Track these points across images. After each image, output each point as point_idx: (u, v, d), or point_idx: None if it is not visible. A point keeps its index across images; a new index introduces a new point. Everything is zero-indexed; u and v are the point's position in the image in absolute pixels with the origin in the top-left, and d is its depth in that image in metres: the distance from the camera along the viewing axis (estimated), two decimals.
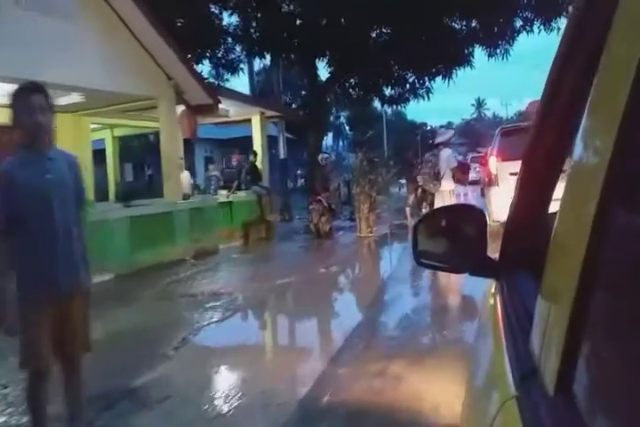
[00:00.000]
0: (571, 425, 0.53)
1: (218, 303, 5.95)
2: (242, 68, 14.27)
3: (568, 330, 0.56)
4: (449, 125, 62.11)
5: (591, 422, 0.51)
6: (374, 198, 10.69)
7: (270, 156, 15.13)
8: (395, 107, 15.91)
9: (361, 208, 10.41)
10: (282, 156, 14.95)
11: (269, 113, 11.55)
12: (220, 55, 14.06)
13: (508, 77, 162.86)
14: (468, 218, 1.25)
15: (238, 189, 11.52)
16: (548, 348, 0.63)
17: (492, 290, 1.27)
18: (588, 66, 0.67)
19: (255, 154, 11.33)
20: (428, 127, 66.67)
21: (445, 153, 9.46)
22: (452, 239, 1.27)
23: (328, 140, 50.41)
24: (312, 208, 10.70)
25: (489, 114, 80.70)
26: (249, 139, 18.35)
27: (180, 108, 9.58)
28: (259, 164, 11.43)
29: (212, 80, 30.10)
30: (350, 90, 14.37)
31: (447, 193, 9.43)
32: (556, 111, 0.97)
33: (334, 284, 6.84)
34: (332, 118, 57.82)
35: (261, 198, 11.09)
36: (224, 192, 11.72)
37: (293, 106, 40.14)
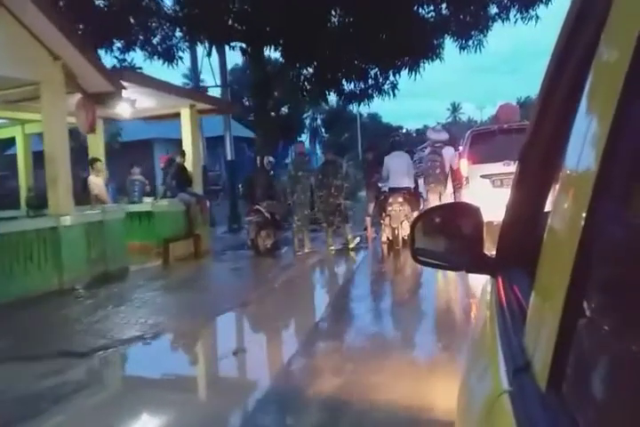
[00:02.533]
0: (561, 421, 0.53)
1: (67, 373, 3.87)
2: (181, 58, 12.15)
3: (560, 327, 0.55)
4: (425, 128, 60.50)
5: (581, 417, 0.50)
6: (343, 207, 8.63)
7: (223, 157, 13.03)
8: (358, 104, 13.83)
9: (300, 218, 8.41)
10: (229, 157, 12.85)
11: (203, 106, 9.41)
12: (155, 42, 11.90)
13: (483, 82, 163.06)
14: (465, 216, 1.23)
15: (165, 195, 9.40)
16: (541, 344, 0.62)
17: (489, 287, 1.25)
18: (583, 67, 0.67)
19: (183, 154, 9.20)
20: (404, 130, 65.15)
21: (450, 152, 8.52)
22: (449, 237, 1.28)
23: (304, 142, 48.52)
24: (249, 220, 8.61)
25: (464, 118, 79.43)
26: (219, 139, 16.12)
27: (77, 97, 7.44)
28: (189, 166, 9.30)
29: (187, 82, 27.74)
30: (305, 83, 12.30)
31: (446, 195, 8.63)
32: (551, 111, 0.96)
33: (238, 338, 4.79)
34: (308, 120, 56.28)
35: (189, 208, 8.96)
36: (149, 200, 9.57)
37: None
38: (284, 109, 38.35)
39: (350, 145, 45.35)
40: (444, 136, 8.94)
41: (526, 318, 0.73)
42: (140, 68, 11.96)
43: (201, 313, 5.34)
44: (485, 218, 1.21)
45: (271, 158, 9.03)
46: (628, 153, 0.49)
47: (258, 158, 9.08)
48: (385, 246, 8.96)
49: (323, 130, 50.95)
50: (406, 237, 8.87)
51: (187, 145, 9.39)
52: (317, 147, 50.06)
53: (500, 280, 1.13)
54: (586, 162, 0.55)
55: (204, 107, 9.48)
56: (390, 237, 8.58)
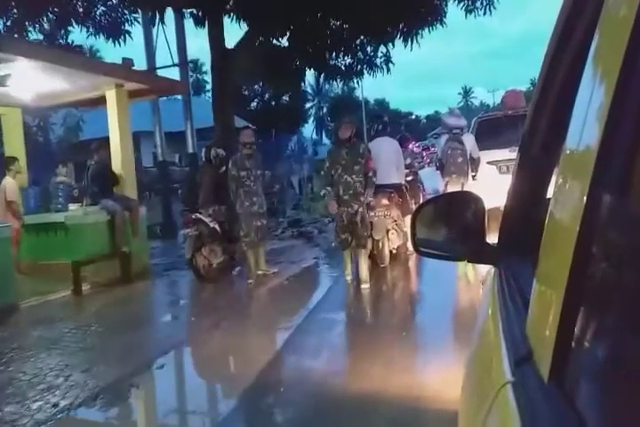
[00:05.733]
0: (563, 412, 0.51)
1: None
2: (129, 32, 9.94)
3: (562, 317, 0.54)
4: (436, 114, 57.87)
5: (584, 409, 0.49)
6: (360, 220, 5.48)
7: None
8: (344, 82, 11.48)
9: (247, 231, 6.15)
10: (190, 149, 10.71)
11: (136, 86, 7.22)
12: (98, 15, 9.72)
13: (495, 66, 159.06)
14: (466, 205, 1.20)
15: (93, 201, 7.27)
16: (543, 334, 0.60)
17: (492, 276, 1.23)
18: (581, 52, 0.66)
19: (107, 149, 7.05)
20: (413, 116, 62.26)
21: (471, 139, 7.48)
22: (451, 227, 1.26)
23: (309, 132, 46.58)
24: (185, 233, 6.45)
25: (476, 102, 76.43)
26: (204, 131, 13.86)
27: None
28: (118, 162, 7.16)
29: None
30: (278, 59, 9.97)
31: (469, 187, 7.15)
32: (551, 97, 0.95)
33: None
34: (314, 110, 54.05)
35: (115, 218, 6.84)
36: (75, 207, 7.46)
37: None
38: (285, 98, 36.30)
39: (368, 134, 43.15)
40: (463, 122, 7.72)
41: (528, 308, 0.70)
42: (81, 47, 9.82)
43: (51, 399, 3.24)
44: (492, 204, 1.20)
45: (220, 150, 6.84)
46: (628, 139, 0.48)
47: (203, 151, 6.87)
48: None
49: (329, 119, 48.69)
50: (395, 251, 6.64)
51: (114, 137, 7.22)
52: (324, 137, 47.82)
53: (502, 269, 1.10)
54: (585, 148, 0.55)
55: (137, 87, 7.29)
56: (374, 251, 6.35)
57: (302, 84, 32.17)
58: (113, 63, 7.21)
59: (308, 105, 48.98)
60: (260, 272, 6.28)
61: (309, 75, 15.61)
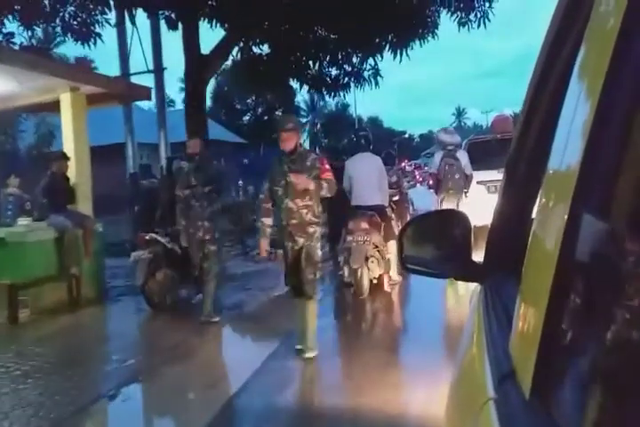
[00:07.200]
0: None
1: None
2: (99, 35, 9.29)
3: (543, 334, 0.54)
4: (430, 134, 57.88)
5: (564, 424, 0.49)
6: (311, 274, 3.96)
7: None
8: (331, 95, 10.83)
9: (195, 263, 5.20)
10: (162, 161, 9.97)
11: (95, 90, 6.51)
12: (67, 16, 9.08)
13: (489, 87, 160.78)
14: (453, 223, 1.22)
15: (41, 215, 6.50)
16: (525, 351, 0.61)
17: (477, 294, 1.22)
18: (565, 75, 0.68)
19: (64, 159, 6.32)
20: (406, 135, 62.12)
21: (465, 156, 7.52)
22: (438, 244, 1.25)
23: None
24: (136, 256, 5.66)
25: (469, 123, 76.88)
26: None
27: None
28: (72, 175, 6.42)
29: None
30: (257, 67, 9.33)
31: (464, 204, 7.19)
32: (536, 119, 0.97)
33: None
34: (308, 126, 53.81)
35: (64, 235, 6.07)
36: (25, 221, 6.68)
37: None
38: (278, 113, 35.80)
39: (350, 150, 42.81)
40: (457, 139, 7.79)
41: (512, 326, 0.71)
42: (49, 50, 9.14)
43: None
44: (480, 222, 1.17)
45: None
46: (609, 160, 0.48)
47: (164, 163, 6.15)
48: (342, 291, 5.97)
49: (322, 135, 48.36)
50: (375, 280, 5.91)
51: (68, 145, 6.50)
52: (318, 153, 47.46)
53: (487, 287, 1.11)
54: (567, 168, 0.55)
55: (95, 91, 6.59)
56: (352, 281, 5.60)
57: (294, 99, 31.85)
58: (62, 62, 6.52)
59: (302, 121, 48.74)
60: (202, 318, 5.08)
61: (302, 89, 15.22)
